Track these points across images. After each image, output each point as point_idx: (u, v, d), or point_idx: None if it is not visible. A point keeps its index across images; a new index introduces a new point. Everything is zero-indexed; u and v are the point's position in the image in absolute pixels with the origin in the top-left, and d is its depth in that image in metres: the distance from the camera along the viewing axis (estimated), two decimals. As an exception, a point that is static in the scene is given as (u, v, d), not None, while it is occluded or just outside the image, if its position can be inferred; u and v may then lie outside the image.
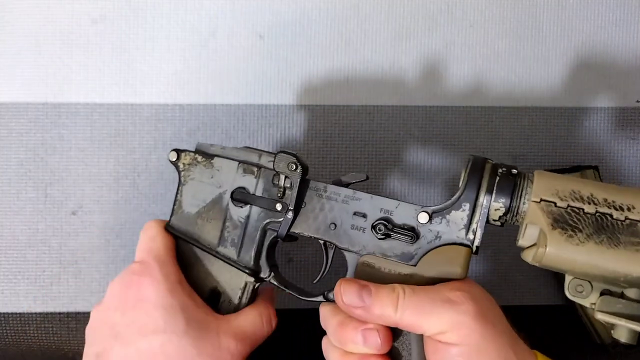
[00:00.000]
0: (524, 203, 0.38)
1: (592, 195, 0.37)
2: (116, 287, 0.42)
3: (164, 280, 0.41)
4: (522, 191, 0.38)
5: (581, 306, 0.54)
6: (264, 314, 0.44)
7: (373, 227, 0.40)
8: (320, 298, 0.42)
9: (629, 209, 0.36)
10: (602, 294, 0.38)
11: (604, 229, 0.36)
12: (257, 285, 0.44)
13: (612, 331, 0.38)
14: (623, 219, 0.36)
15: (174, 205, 0.45)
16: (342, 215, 0.41)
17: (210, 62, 0.55)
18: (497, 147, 0.56)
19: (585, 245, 0.36)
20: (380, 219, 0.40)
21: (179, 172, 0.45)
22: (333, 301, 0.41)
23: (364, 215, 0.41)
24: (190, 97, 0.55)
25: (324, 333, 0.42)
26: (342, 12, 0.55)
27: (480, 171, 0.39)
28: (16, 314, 0.54)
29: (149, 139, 0.55)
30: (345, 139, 0.56)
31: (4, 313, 0.54)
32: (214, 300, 0.44)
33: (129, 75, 0.55)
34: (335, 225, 0.41)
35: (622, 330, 0.37)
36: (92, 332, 0.42)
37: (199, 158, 0.45)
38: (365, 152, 0.56)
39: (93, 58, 0.55)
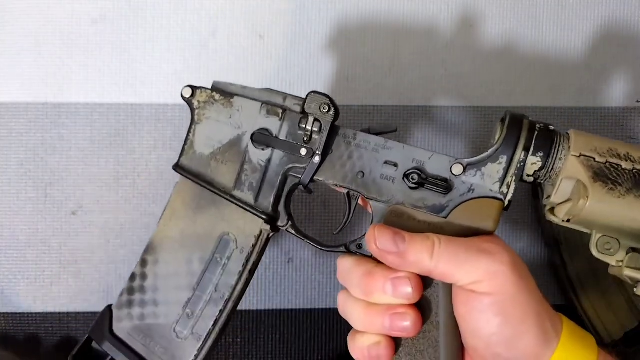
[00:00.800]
0: (560, 159, 0.39)
1: (628, 153, 0.38)
2: None
3: None
4: (559, 147, 0.39)
5: (581, 306, 0.54)
6: None
7: (405, 176, 0.39)
8: (342, 249, 0.41)
9: None
10: (628, 252, 0.39)
11: None
12: (271, 234, 0.42)
13: (635, 289, 0.39)
14: None
15: (185, 144, 0.42)
16: (371, 163, 0.40)
17: (210, 62, 0.55)
18: (497, 147, 0.56)
19: (626, 198, 0.37)
20: (413, 168, 0.39)
21: (193, 110, 0.42)
22: (354, 253, 0.40)
23: (395, 165, 0.40)
24: (190, 97, 0.55)
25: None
26: (342, 12, 0.55)
27: (519, 125, 0.39)
28: (16, 314, 0.54)
29: (149, 139, 0.55)
30: (345, 139, 0.56)
31: (4, 313, 0.54)
32: (223, 248, 0.42)
33: (129, 75, 0.55)
34: (364, 174, 0.40)
35: None
36: None
37: (217, 96, 0.42)
38: (365, 152, 0.56)
39: (93, 58, 0.55)
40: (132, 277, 0.42)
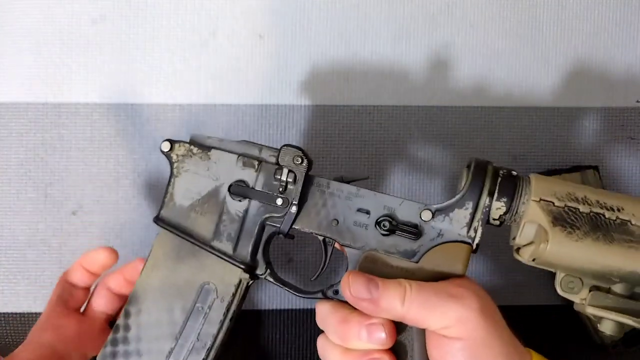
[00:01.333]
0: (523, 203, 0.40)
1: (585, 197, 0.39)
2: None
3: None
4: (521, 191, 0.40)
5: (581, 306, 0.54)
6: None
7: (377, 223, 0.41)
8: (319, 295, 0.42)
9: (619, 210, 0.39)
10: (591, 290, 0.40)
11: (599, 227, 0.38)
12: (251, 282, 0.43)
13: (598, 325, 0.41)
14: (614, 218, 0.38)
15: (165, 197, 0.44)
16: (345, 211, 0.41)
17: (210, 62, 0.55)
18: (497, 147, 0.56)
19: (584, 242, 0.38)
20: (384, 215, 0.41)
21: (171, 164, 0.44)
22: (331, 298, 0.41)
23: (367, 212, 0.41)
24: (190, 97, 0.55)
25: (322, 332, 0.42)
26: (342, 12, 0.55)
27: (483, 172, 0.41)
28: (16, 314, 0.54)
29: (149, 139, 0.55)
30: (345, 139, 0.56)
31: (4, 313, 0.54)
32: (204, 298, 0.43)
33: (129, 75, 0.55)
34: (338, 222, 0.41)
35: (608, 324, 0.40)
36: None
37: (195, 150, 0.43)
38: (365, 152, 0.56)
39: (93, 58, 0.55)
40: (116, 328, 0.43)
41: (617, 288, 0.40)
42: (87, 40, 0.54)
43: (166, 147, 0.44)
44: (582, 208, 0.39)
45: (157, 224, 0.43)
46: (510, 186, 0.40)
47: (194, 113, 0.55)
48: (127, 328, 0.43)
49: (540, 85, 0.56)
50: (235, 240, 0.42)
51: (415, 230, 0.40)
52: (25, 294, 0.54)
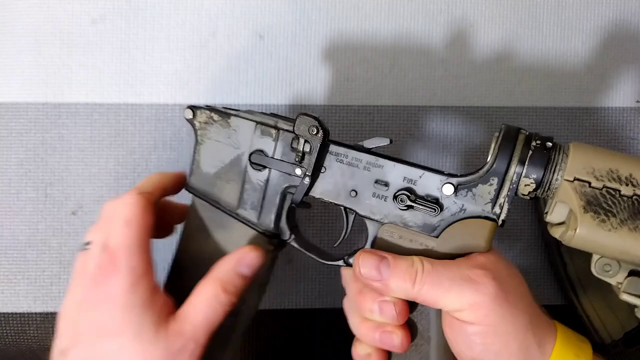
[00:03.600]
0: (556, 180, 0.36)
1: (631, 175, 0.34)
2: (80, 280, 0.39)
3: (129, 274, 0.37)
4: (555, 166, 0.36)
5: (581, 306, 0.54)
6: (213, 296, 0.39)
7: (395, 197, 0.39)
8: (340, 262, 0.42)
9: None
10: (630, 274, 0.37)
11: None
12: (276, 251, 0.43)
13: (636, 309, 0.38)
14: None
15: (192, 164, 0.43)
16: (363, 182, 0.40)
17: (210, 62, 0.55)
18: (497, 147, 0.56)
19: (618, 232, 0.34)
20: (403, 188, 0.39)
21: (195, 131, 0.43)
22: (351, 265, 0.41)
23: (386, 184, 0.39)
24: (190, 97, 0.55)
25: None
26: (342, 12, 0.55)
27: (512, 142, 0.37)
28: (16, 314, 0.54)
29: (149, 139, 0.55)
30: (345, 139, 0.56)
31: (4, 313, 0.54)
32: None
33: (129, 75, 0.55)
34: (357, 193, 0.40)
35: None
36: (60, 327, 0.39)
37: (215, 117, 0.43)
38: (365, 152, 0.56)
39: (93, 58, 0.55)
40: None
41: None
42: (87, 40, 0.54)
43: (189, 114, 0.43)
44: (624, 190, 0.34)
45: (188, 191, 0.43)
46: (541, 160, 0.36)
47: (194, 113, 0.55)
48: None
49: (540, 85, 0.56)
50: (258, 209, 0.42)
51: (434, 206, 0.38)
52: (25, 294, 0.54)
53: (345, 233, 0.43)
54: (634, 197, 0.33)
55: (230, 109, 0.43)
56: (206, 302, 0.38)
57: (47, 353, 0.39)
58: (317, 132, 0.40)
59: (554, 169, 0.36)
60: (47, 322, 0.54)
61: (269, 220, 0.42)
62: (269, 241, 0.42)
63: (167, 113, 0.55)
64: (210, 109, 0.43)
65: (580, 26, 0.57)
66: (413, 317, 0.39)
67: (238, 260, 0.40)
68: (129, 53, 0.55)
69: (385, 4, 0.56)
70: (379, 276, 0.38)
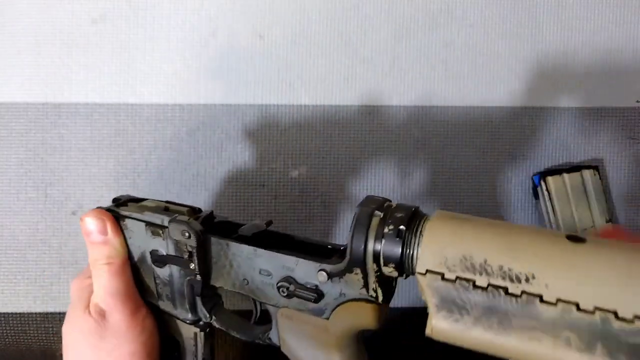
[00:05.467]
0: (415, 266, 0.32)
1: (485, 262, 0.30)
2: (78, 333, 0.42)
3: (127, 317, 0.42)
4: (412, 252, 0.33)
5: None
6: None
7: (277, 287, 0.39)
8: (259, 340, 0.43)
9: (527, 280, 0.29)
10: None
11: (495, 309, 0.29)
12: (206, 330, 0.44)
13: None
14: (519, 293, 0.29)
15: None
16: (250, 271, 0.40)
17: (210, 62, 0.55)
18: (497, 147, 0.56)
19: (473, 331, 0.30)
20: (284, 277, 0.38)
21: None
22: (267, 343, 0.42)
23: (269, 273, 0.39)
24: (190, 97, 0.55)
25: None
26: (342, 12, 0.55)
27: (364, 232, 0.34)
28: (16, 314, 0.54)
29: (149, 139, 0.55)
30: (345, 139, 0.56)
31: (4, 313, 0.54)
32: (179, 352, 0.45)
33: (129, 75, 0.55)
34: (248, 281, 0.40)
35: None
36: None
37: (118, 219, 0.44)
38: (365, 152, 0.56)
39: (93, 58, 0.55)
40: None
41: None
42: (87, 40, 0.54)
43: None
44: (479, 280, 0.29)
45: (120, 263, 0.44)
46: (395, 250, 0.33)
47: (194, 113, 0.55)
48: None
49: (540, 85, 0.56)
50: (172, 300, 0.43)
51: (314, 295, 0.37)
52: (25, 294, 0.54)
53: (255, 317, 0.43)
54: (489, 287, 0.29)
55: (131, 204, 0.44)
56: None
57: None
58: (190, 237, 0.40)
59: (412, 255, 0.33)
60: (47, 322, 0.54)
61: (184, 310, 0.43)
62: (195, 326, 0.44)
63: (167, 113, 0.55)
64: (110, 210, 0.44)
65: (580, 26, 0.57)
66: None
67: None
68: (129, 53, 0.55)
69: (385, 4, 0.56)
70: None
